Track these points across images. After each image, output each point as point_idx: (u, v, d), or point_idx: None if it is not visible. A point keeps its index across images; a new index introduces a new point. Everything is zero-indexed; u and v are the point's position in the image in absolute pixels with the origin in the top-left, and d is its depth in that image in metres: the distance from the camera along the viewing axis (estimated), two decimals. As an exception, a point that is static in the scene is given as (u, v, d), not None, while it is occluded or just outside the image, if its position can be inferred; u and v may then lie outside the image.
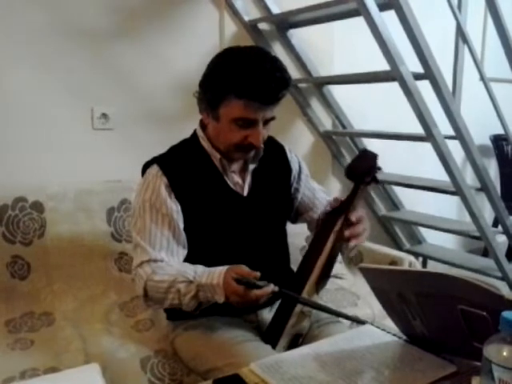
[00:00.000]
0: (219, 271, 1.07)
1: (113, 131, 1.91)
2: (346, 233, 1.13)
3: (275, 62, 1.11)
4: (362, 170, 1.16)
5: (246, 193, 1.26)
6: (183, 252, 1.21)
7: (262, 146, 1.20)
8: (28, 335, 1.42)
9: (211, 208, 1.21)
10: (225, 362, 1.10)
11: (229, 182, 1.24)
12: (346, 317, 1.18)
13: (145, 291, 1.15)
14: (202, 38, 2.06)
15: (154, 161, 1.23)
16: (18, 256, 1.56)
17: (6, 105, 1.71)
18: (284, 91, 1.12)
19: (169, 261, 1.17)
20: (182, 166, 1.22)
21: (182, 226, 1.20)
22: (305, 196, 1.39)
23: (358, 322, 1.18)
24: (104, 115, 1.88)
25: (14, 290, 1.55)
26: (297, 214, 1.41)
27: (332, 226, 1.15)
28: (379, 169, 1.19)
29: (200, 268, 1.13)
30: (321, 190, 1.44)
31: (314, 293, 1.15)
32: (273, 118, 1.17)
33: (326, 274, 1.16)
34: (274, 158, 1.34)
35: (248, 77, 1.07)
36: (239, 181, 1.26)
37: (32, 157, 1.77)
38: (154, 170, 1.21)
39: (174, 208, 1.18)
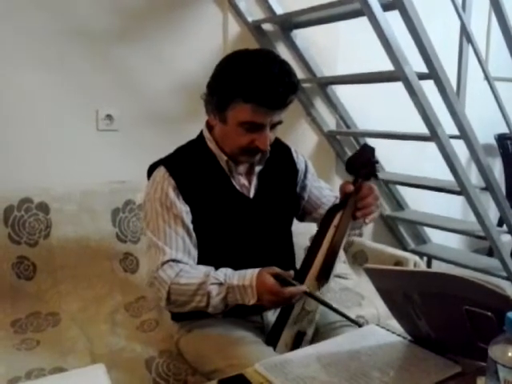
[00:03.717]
0: (251, 272, 1.08)
1: (117, 132, 1.91)
2: (358, 204, 1.13)
3: (284, 66, 1.11)
4: (360, 163, 1.17)
5: (252, 195, 1.26)
6: (196, 252, 1.21)
7: (269, 148, 1.20)
8: (34, 335, 1.43)
9: (218, 210, 1.21)
10: (229, 363, 1.10)
11: (235, 184, 1.24)
12: (346, 317, 1.19)
13: (168, 294, 1.13)
14: (206, 39, 2.06)
15: (161, 162, 1.23)
16: (23, 257, 1.57)
17: (11, 106, 1.72)
18: (292, 96, 1.12)
19: (188, 261, 1.17)
20: (188, 168, 1.22)
21: (191, 226, 1.20)
22: (312, 194, 1.39)
23: (354, 322, 1.19)
24: (109, 116, 1.88)
25: (19, 291, 1.56)
26: (304, 212, 1.41)
27: (330, 220, 1.15)
28: (377, 162, 1.19)
29: (229, 270, 1.13)
30: (327, 188, 1.44)
31: (315, 289, 1.15)
32: (280, 122, 1.17)
33: (327, 269, 1.15)
34: (281, 159, 1.34)
35: (256, 81, 1.06)
36: (245, 183, 1.26)
37: (37, 158, 1.78)
38: (161, 171, 1.20)
39: (184, 209, 1.18)
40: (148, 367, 1.28)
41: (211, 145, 1.24)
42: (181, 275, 1.13)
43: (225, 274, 1.11)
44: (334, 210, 1.17)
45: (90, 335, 1.43)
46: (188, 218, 1.19)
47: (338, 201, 1.31)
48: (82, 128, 1.85)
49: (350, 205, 1.14)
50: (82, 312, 1.56)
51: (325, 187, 1.43)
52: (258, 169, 1.27)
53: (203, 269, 1.15)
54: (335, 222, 1.14)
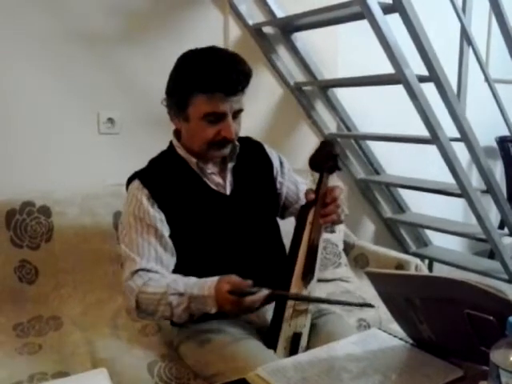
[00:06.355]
0: (210, 282, 1.09)
1: (119, 135, 1.92)
2: (321, 211, 1.16)
3: (234, 56, 1.18)
4: (321, 158, 1.20)
5: (228, 192, 1.28)
6: (172, 260, 1.22)
7: (237, 143, 1.25)
8: (36, 339, 1.43)
9: (196, 212, 1.23)
10: (229, 367, 1.10)
11: (209, 184, 1.26)
12: (348, 303, 1.22)
13: (137, 304, 1.15)
14: (207, 42, 2.02)
15: (135, 176, 1.26)
16: (25, 260, 1.57)
17: (13, 109, 1.72)
18: (245, 81, 1.16)
19: (159, 270, 1.18)
20: (161, 177, 1.25)
21: (167, 234, 1.21)
22: (289, 190, 1.41)
23: (362, 305, 1.24)
24: (110, 120, 1.89)
25: (21, 294, 1.56)
26: (284, 208, 1.43)
27: (305, 218, 1.17)
28: (337, 155, 1.21)
29: (192, 279, 1.14)
30: (303, 182, 1.46)
31: (302, 287, 1.16)
32: (241, 110, 1.21)
33: (310, 266, 1.17)
34: (253, 154, 1.37)
35: (209, 71, 1.12)
36: (220, 181, 1.28)
37: (39, 161, 1.79)
38: (136, 183, 1.24)
39: (158, 217, 1.20)
40: (150, 371, 1.28)
41: (180, 151, 1.28)
42: (148, 284, 1.14)
43: (185, 283, 1.12)
44: (306, 207, 1.19)
45: (91, 339, 1.43)
46: (163, 225, 1.20)
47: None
48: (83, 131, 1.86)
49: (320, 201, 1.17)
50: (83, 316, 1.56)
51: (300, 182, 1.45)
52: (230, 165, 1.29)
53: (170, 277, 1.17)
54: (309, 218, 1.17)
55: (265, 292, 1.06)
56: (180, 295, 1.10)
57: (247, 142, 1.37)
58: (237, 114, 1.20)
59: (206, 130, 1.18)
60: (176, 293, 1.10)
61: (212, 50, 1.19)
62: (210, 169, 1.27)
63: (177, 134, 1.30)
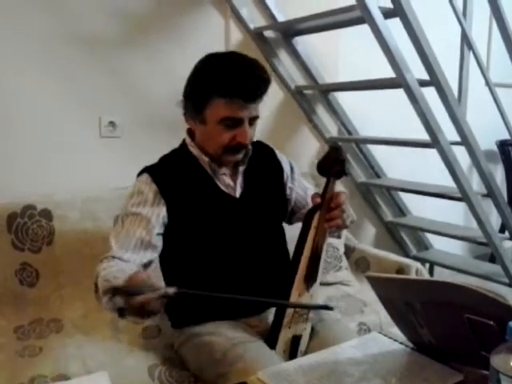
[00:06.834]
0: (128, 276, 0.96)
1: (120, 139, 1.92)
2: (326, 216, 1.15)
3: (254, 62, 1.17)
4: (329, 163, 1.21)
5: (238, 194, 1.28)
6: (150, 256, 1.19)
7: (250, 146, 1.25)
8: (36, 342, 1.43)
9: (204, 211, 1.23)
10: (230, 370, 1.10)
11: (220, 185, 1.26)
12: (314, 307, 1.21)
13: (96, 286, 1.09)
14: (208, 46, 2.04)
15: (145, 170, 1.26)
16: (26, 263, 1.57)
17: (15, 113, 1.73)
18: (264, 88, 1.16)
19: (128, 260, 1.14)
20: (171, 173, 1.24)
21: (157, 231, 1.19)
22: (298, 195, 1.42)
23: (326, 308, 1.22)
24: (111, 123, 1.89)
25: (22, 297, 1.56)
26: (292, 213, 1.44)
27: (310, 221, 1.17)
28: (344, 160, 1.21)
29: (126, 272, 1.04)
30: (311, 188, 1.46)
31: (304, 290, 1.16)
32: (257, 117, 1.21)
33: (313, 270, 1.17)
34: (264, 158, 1.37)
35: (229, 75, 1.12)
36: (230, 183, 1.28)
37: (40, 165, 1.79)
38: (144, 177, 1.23)
39: (156, 213, 1.19)
40: (151, 374, 1.28)
41: (193, 150, 1.27)
42: (106, 269, 1.08)
43: (118, 271, 1.04)
44: (312, 211, 1.19)
45: (92, 341, 1.44)
46: (157, 222, 1.18)
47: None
48: (84, 134, 1.86)
49: (326, 205, 1.17)
50: (84, 318, 1.56)
51: (309, 188, 1.45)
52: (241, 168, 1.29)
53: (121, 267, 1.09)
54: (314, 222, 1.17)
55: (159, 292, 0.91)
56: (107, 283, 1.02)
57: (259, 146, 1.37)
58: (253, 120, 1.21)
59: (222, 134, 1.18)
60: (106, 280, 1.03)
61: (232, 55, 1.20)
62: (222, 170, 1.27)
63: (190, 133, 1.30)
